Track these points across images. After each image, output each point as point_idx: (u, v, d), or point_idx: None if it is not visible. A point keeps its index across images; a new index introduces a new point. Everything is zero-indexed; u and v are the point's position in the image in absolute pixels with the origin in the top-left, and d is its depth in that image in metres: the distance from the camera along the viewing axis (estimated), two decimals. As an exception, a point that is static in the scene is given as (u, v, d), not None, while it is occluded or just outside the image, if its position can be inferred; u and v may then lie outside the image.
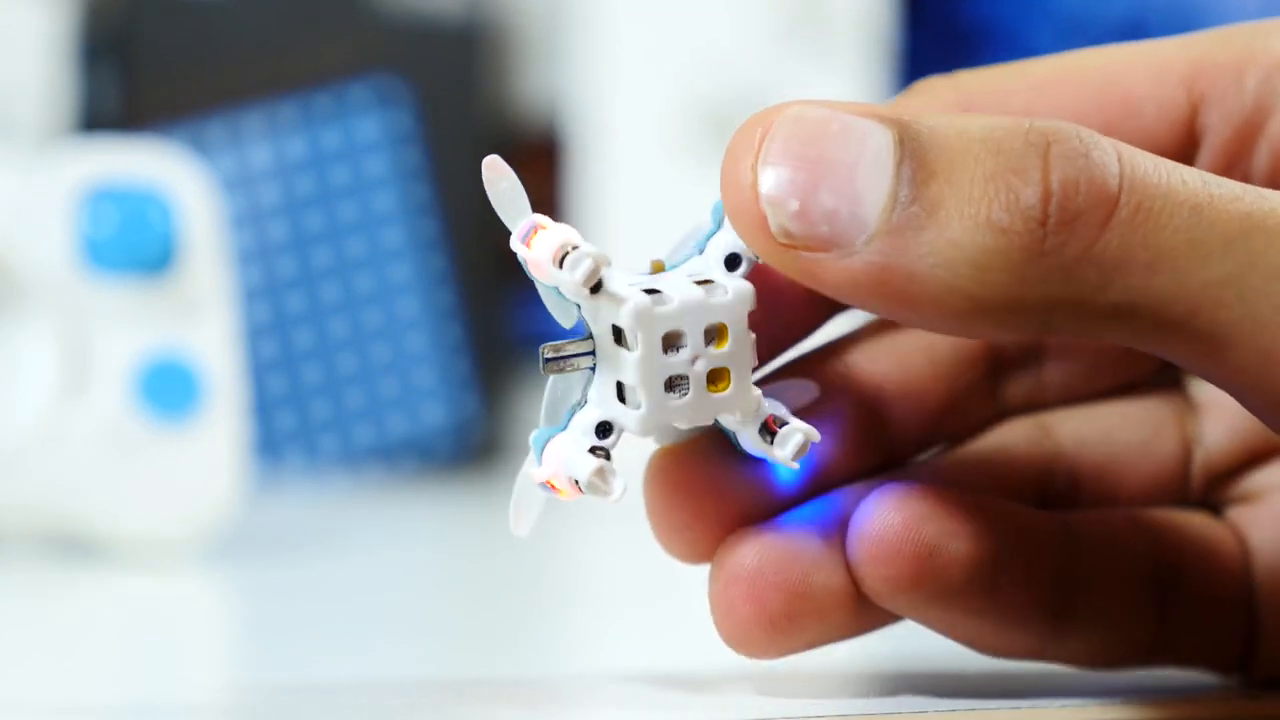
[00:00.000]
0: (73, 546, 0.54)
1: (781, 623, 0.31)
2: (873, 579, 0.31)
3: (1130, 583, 0.33)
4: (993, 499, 0.32)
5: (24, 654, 0.40)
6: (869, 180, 0.28)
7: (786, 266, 0.29)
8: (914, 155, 0.28)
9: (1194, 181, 0.28)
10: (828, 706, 0.31)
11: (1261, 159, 0.33)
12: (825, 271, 0.28)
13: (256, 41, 0.83)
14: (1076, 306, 0.28)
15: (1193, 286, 0.27)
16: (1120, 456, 0.34)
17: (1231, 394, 0.29)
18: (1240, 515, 0.34)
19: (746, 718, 0.31)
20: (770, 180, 0.28)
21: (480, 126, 0.85)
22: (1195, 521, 0.34)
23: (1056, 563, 0.32)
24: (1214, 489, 0.35)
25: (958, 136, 0.28)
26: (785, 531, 0.32)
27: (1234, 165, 0.33)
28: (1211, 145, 0.33)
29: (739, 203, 0.29)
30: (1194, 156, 0.33)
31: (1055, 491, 0.34)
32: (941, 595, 0.31)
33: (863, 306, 0.29)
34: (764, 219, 0.28)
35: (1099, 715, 0.32)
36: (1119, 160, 0.28)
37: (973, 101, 0.32)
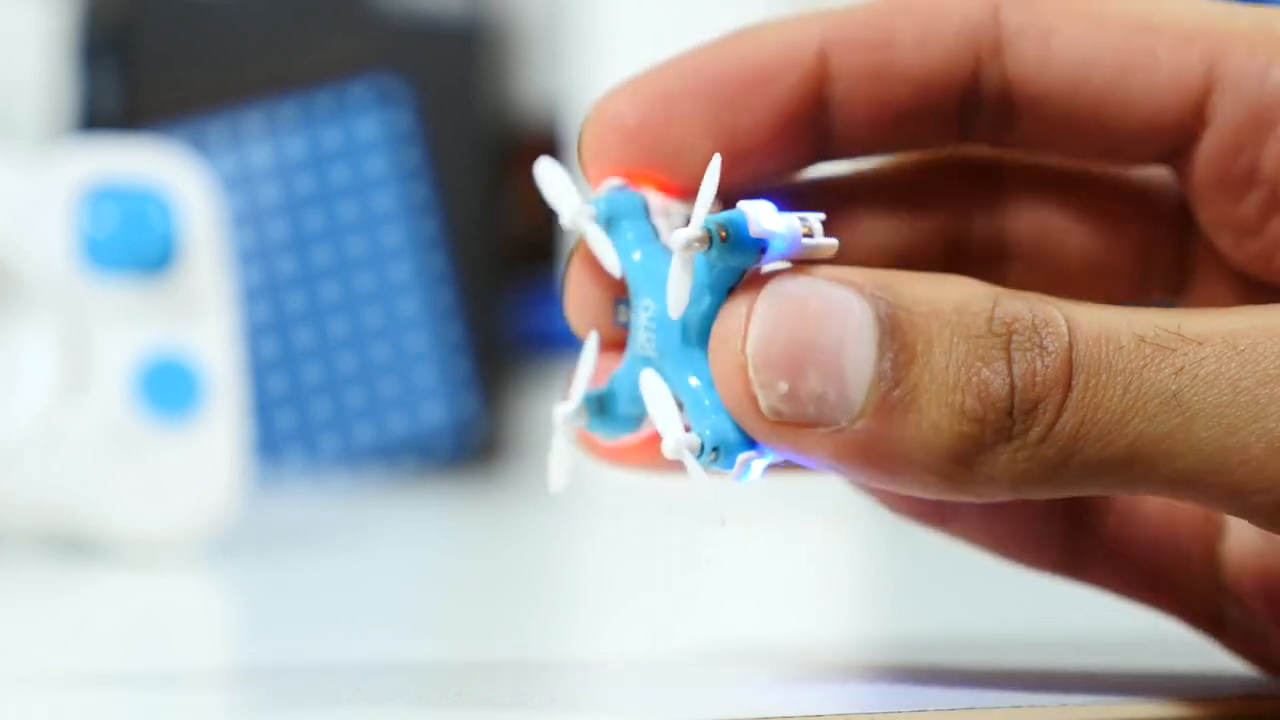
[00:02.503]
0: (73, 546, 0.54)
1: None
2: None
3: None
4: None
5: (23, 653, 0.40)
6: (853, 362, 0.30)
7: (773, 440, 0.30)
8: (894, 335, 0.30)
9: (1130, 344, 0.29)
10: (828, 705, 0.31)
11: (1271, 156, 0.33)
12: (815, 447, 0.30)
13: (256, 41, 0.83)
14: (1044, 477, 0.30)
15: (1144, 446, 0.29)
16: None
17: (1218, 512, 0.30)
18: None
19: (746, 715, 0.31)
20: (758, 365, 0.30)
21: (480, 126, 0.85)
22: None
23: None
24: None
25: (933, 316, 0.29)
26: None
27: (1238, 156, 0.33)
28: (1219, 129, 0.33)
29: (730, 385, 0.30)
30: (1199, 137, 0.33)
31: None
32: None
33: (844, 475, 0.31)
34: (754, 400, 0.30)
35: (1099, 715, 0.32)
36: (1069, 339, 0.29)
37: (1006, 2, 0.33)
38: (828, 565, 0.54)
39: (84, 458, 0.53)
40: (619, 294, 0.33)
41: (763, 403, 0.30)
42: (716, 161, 0.31)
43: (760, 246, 0.30)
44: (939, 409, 0.29)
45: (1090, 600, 0.37)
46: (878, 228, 0.35)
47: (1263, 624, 0.34)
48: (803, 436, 0.30)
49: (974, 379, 0.29)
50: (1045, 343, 0.29)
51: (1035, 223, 0.35)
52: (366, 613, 0.48)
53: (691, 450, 0.30)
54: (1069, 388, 0.29)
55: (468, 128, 0.85)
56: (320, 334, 0.83)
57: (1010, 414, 0.29)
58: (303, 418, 0.82)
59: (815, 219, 0.30)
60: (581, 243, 0.33)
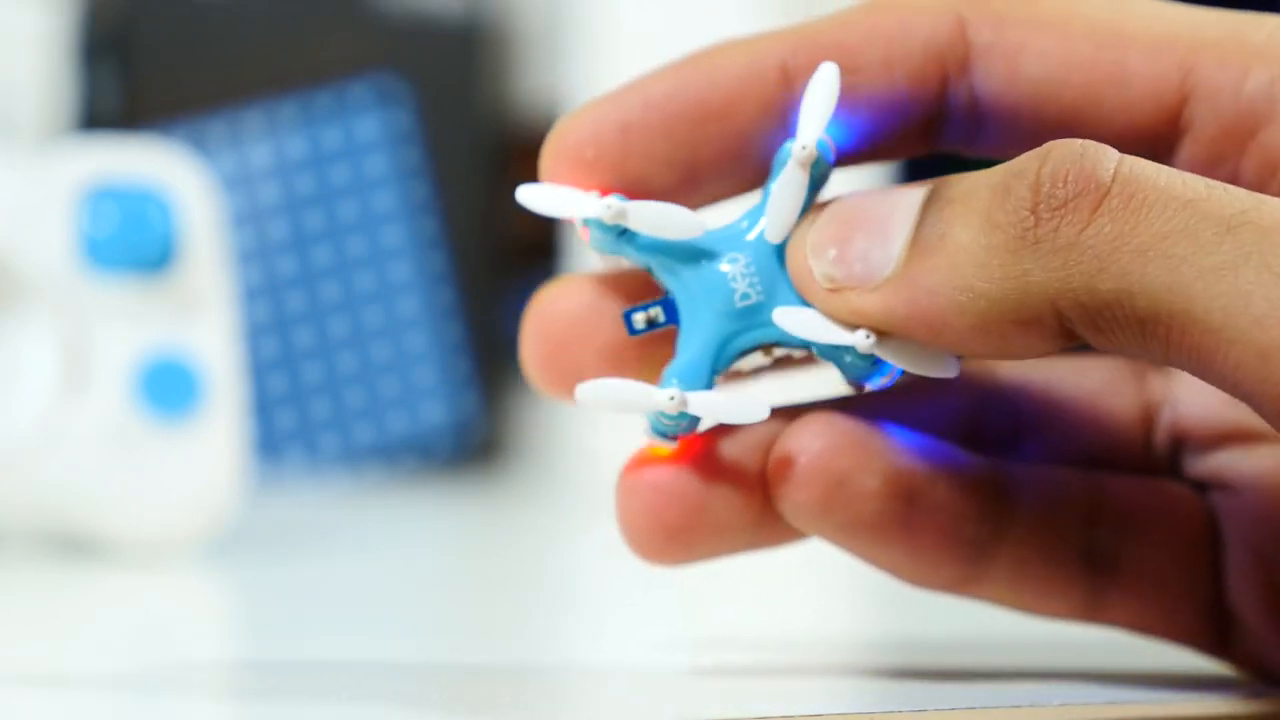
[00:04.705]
0: (73, 546, 0.54)
1: (678, 535, 0.33)
2: (785, 501, 0.33)
3: (1062, 536, 0.34)
4: (917, 435, 0.33)
5: (23, 653, 0.40)
6: (898, 223, 0.30)
7: (835, 309, 0.31)
8: (939, 194, 0.30)
9: (1192, 180, 0.29)
10: (828, 706, 0.31)
11: (1250, 166, 0.32)
12: (864, 305, 0.31)
13: (256, 41, 0.83)
14: (1077, 295, 0.29)
15: (1187, 274, 0.28)
16: (1064, 406, 0.35)
17: (1233, 394, 0.29)
18: (1217, 501, 0.34)
19: (746, 715, 0.31)
20: (814, 240, 0.31)
21: (480, 126, 0.85)
22: (1157, 491, 0.34)
23: (980, 504, 0.33)
24: (1183, 458, 0.35)
25: (977, 176, 0.30)
26: (695, 448, 0.33)
27: (1217, 166, 0.32)
28: (1196, 139, 0.32)
29: (795, 264, 0.32)
30: (1176, 146, 0.32)
31: (990, 434, 0.34)
32: (851, 525, 0.33)
33: (906, 334, 0.31)
34: (812, 272, 0.31)
35: (1099, 715, 0.32)
36: (1117, 159, 0.29)
37: (972, 19, 0.33)
38: (828, 565, 0.54)
39: (84, 458, 0.53)
40: (628, 302, 0.33)
41: (816, 271, 0.31)
42: (832, 71, 0.31)
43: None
44: (966, 230, 0.29)
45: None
46: None
47: (1267, 639, 0.34)
48: (852, 299, 0.30)
49: (999, 191, 0.29)
50: (1088, 152, 0.29)
51: None
52: (366, 612, 0.48)
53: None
54: (1106, 194, 0.29)
55: (467, 127, 0.85)
56: (320, 334, 0.83)
57: (1034, 211, 0.29)
58: (303, 418, 0.82)
59: None
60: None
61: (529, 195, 0.33)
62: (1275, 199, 0.29)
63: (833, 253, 0.31)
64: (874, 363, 0.31)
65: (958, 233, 0.29)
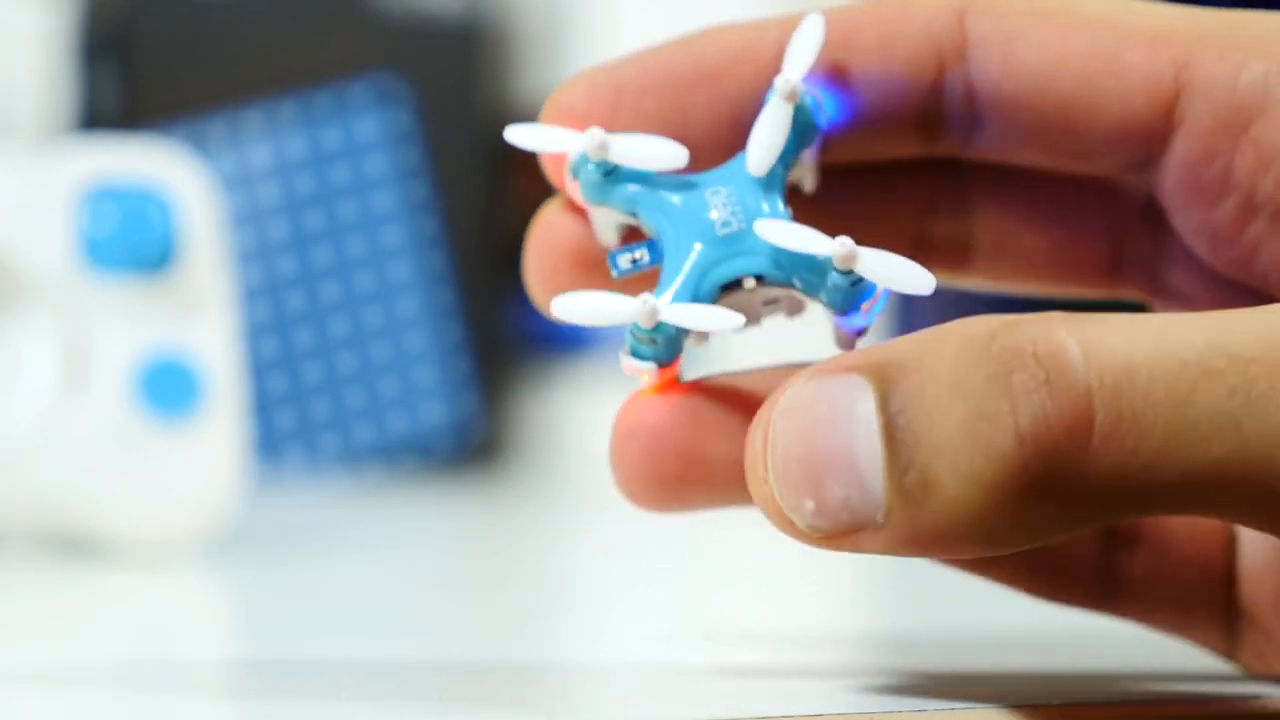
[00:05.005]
0: (73, 546, 0.54)
1: (673, 485, 0.32)
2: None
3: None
4: None
5: (23, 653, 0.40)
6: (866, 460, 0.29)
7: (833, 548, 0.29)
8: (897, 421, 0.28)
9: (1172, 367, 0.28)
10: (827, 705, 0.31)
11: (1244, 160, 0.32)
12: (866, 547, 0.29)
13: (256, 41, 0.83)
14: (1089, 515, 0.28)
15: (1196, 474, 0.28)
16: None
17: None
18: None
19: (746, 715, 0.31)
20: (782, 491, 0.29)
21: (480, 126, 0.85)
22: None
23: None
24: None
25: (929, 384, 0.28)
26: (692, 393, 0.33)
27: (1211, 162, 0.32)
28: (1190, 132, 0.32)
29: (771, 514, 0.30)
30: (1170, 139, 0.32)
31: None
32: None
33: (920, 557, 0.30)
34: (794, 525, 0.29)
35: (1099, 715, 0.32)
36: (1085, 369, 0.28)
37: (971, 9, 0.33)
38: (828, 565, 0.55)
39: (84, 458, 0.53)
40: (610, 247, 0.33)
41: (800, 524, 0.29)
42: (817, 19, 0.31)
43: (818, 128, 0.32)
44: (954, 484, 0.28)
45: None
46: (841, 224, 0.34)
47: (1277, 639, 0.34)
48: (851, 541, 0.29)
49: (979, 442, 0.28)
50: (1053, 378, 0.28)
51: (1001, 215, 0.34)
52: (366, 612, 0.48)
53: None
54: (1092, 425, 0.28)
55: (467, 127, 0.85)
56: (320, 334, 0.83)
57: (1026, 469, 0.28)
58: (303, 418, 0.82)
59: None
60: (547, 210, 0.33)
61: (517, 134, 0.33)
62: (1243, 323, 0.28)
63: (810, 505, 0.29)
64: (854, 283, 0.31)
65: (946, 483, 0.28)
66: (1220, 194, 0.32)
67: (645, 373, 0.32)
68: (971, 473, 0.28)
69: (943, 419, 0.28)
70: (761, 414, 0.29)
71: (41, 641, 0.42)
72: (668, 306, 0.31)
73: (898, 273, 0.31)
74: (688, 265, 0.32)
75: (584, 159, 0.32)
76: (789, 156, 0.32)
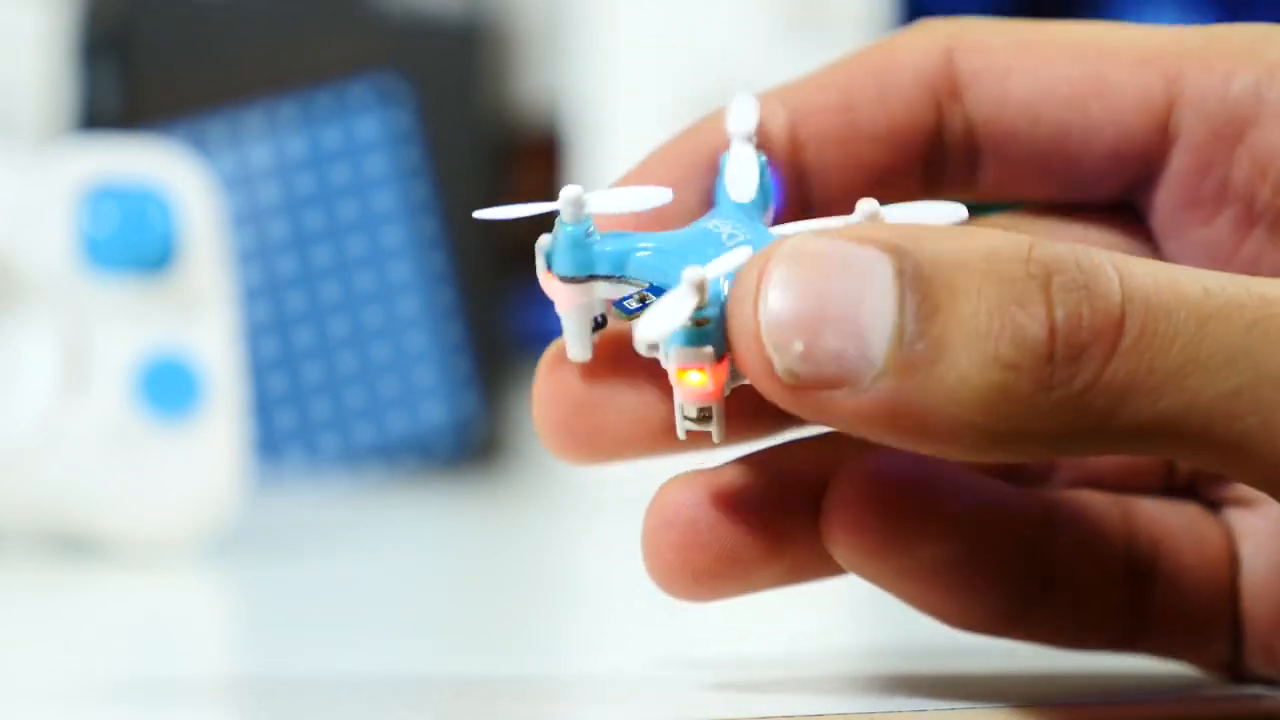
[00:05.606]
0: (73, 545, 0.54)
1: (707, 580, 0.32)
2: (839, 546, 0.31)
3: (1105, 567, 0.33)
4: (967, 474, 0.32)
5: (24, 652, 0.40)
6: (873, 317, 0.28)
7: (793, 405, 0.28)
8: (916, 287, 0.28)
9: (1195, 293, 0.28)
10: (828, 706, 0.31)
11: (1241, 169, 0.32)
12: (835, 409, 0.28)
13: (256, 41, 0.83)
14: (1088, 432, 0.28)
15: (1202, 404, 0.28)
16: None
17: (1260, 490, 0.29)
18: (1234, 519, 0.34)
19: (746, 716, 0.31)
20: (771, 325, 0.28)
21: (480, 126, 0.85)
22: (1181, 513, 0.34)
23: (1029, 542, 0.32)
24: (1204, 481, 0.35)
25: (959, 266, 0.28)
26: (725, 479, 0.32)
27: (1208, 173, 0.32)
28: (1186, 146, 0.32)
29: (744, 346, 0.28)
30: (1167, 156, 0.32)
31: (1029, 469, 0.34)
32: (908, 571, 0.32)
33: (871, 437, 0.29)
34: (770, 362, 0.28)
35: (1099, 715, 0.32)
36: (1120, 284, 0.28)
37: (959, 47, 0.33)
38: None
39: (84, 458, 0.53)
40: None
41: (778, 364, 0.28)
42: (746, 97, 0.31)
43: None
44: (968, 359, 0.27)
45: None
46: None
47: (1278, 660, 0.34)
48: (823, 400, 0.28)
49: (1008, 324, 0.27)
50: (1092, 284, 0.28)
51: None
52: (366, 613, 0.48)
53: None
54: (1120, 333, 0.27)
55: (467, 127, 0.85)
56: (320, 334, 0.83)
57: (1051, 359, 0.27)
58: (303, 418, 0.82)
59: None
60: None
61: (485, 213, 0.32)
62: (1269, 280, 0.28)
63: (799, 348, 0.28)
64: None
65: (956, 359, 0.27)
66: (1218, 207, 0.32)
67: (700, 366, 0.30)
68: (994, 352, 0.27)
69: (970, 298, 0.28)
70: (758, 258, 0.28)
71: (41, 641, 0.42)
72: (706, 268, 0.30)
73: (925, 215, 0.31)
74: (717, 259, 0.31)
75: (561, 227, 0.31)
76: (765, 192, 0.32)
